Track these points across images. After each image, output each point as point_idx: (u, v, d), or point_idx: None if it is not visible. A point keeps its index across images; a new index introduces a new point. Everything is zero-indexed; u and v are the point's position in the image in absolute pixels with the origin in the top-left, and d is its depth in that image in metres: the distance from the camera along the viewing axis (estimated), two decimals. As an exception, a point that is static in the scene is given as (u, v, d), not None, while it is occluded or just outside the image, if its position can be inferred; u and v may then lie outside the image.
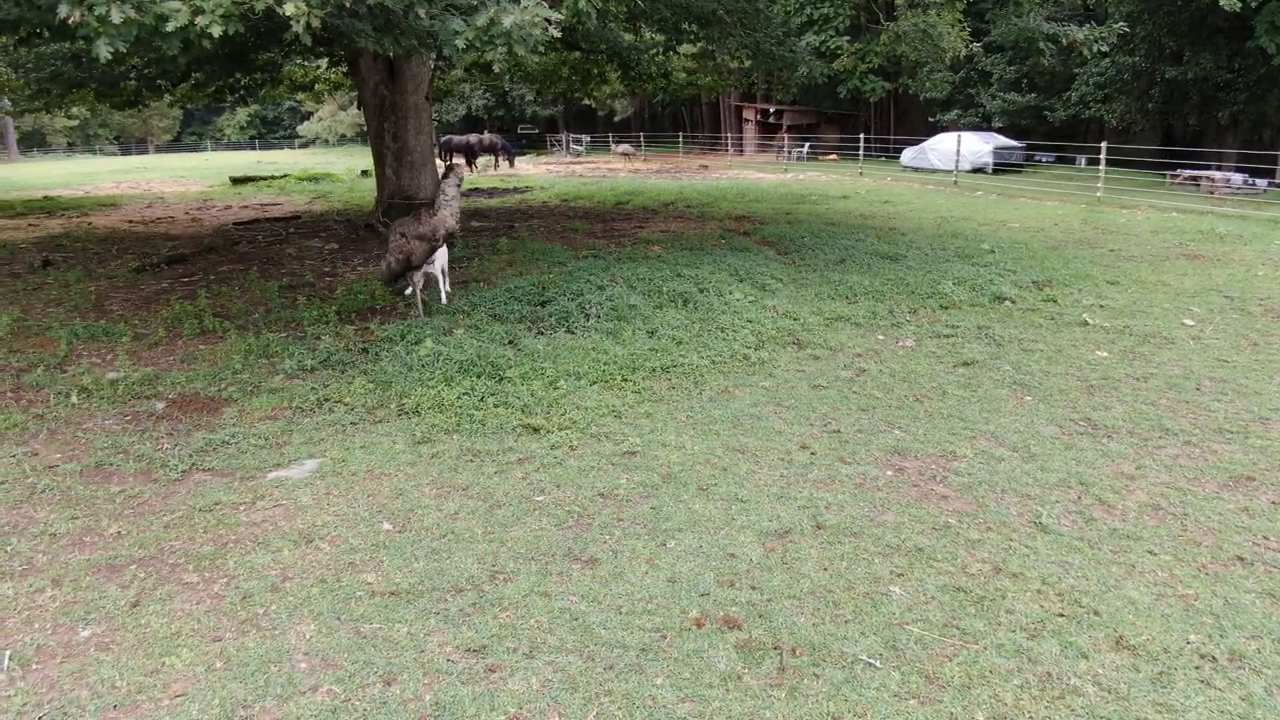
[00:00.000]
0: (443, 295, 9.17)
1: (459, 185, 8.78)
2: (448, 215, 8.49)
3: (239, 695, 3.29)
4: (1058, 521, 4.71)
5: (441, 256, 9.08)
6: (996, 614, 3.83)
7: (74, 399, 6.58)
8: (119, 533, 4.61)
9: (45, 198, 24.83)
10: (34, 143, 72.00)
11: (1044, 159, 30.03)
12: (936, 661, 3.49)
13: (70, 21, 5.20)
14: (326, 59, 20.70)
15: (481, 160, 33.43)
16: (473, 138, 33.67)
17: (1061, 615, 3.81)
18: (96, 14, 5.09)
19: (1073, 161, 29.67)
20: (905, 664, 3.48)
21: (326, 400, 6.53)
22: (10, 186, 31.27)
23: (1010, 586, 4.05)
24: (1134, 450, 5.71)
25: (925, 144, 30.17)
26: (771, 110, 42.57)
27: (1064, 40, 13.08)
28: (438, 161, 16.97)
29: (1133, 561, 4.29)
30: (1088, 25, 13.50)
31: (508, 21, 5.99)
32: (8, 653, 3.56)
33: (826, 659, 3.50)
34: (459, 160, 32.61)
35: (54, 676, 3.43)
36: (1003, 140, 28.95)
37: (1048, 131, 31.76)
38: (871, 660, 3.49)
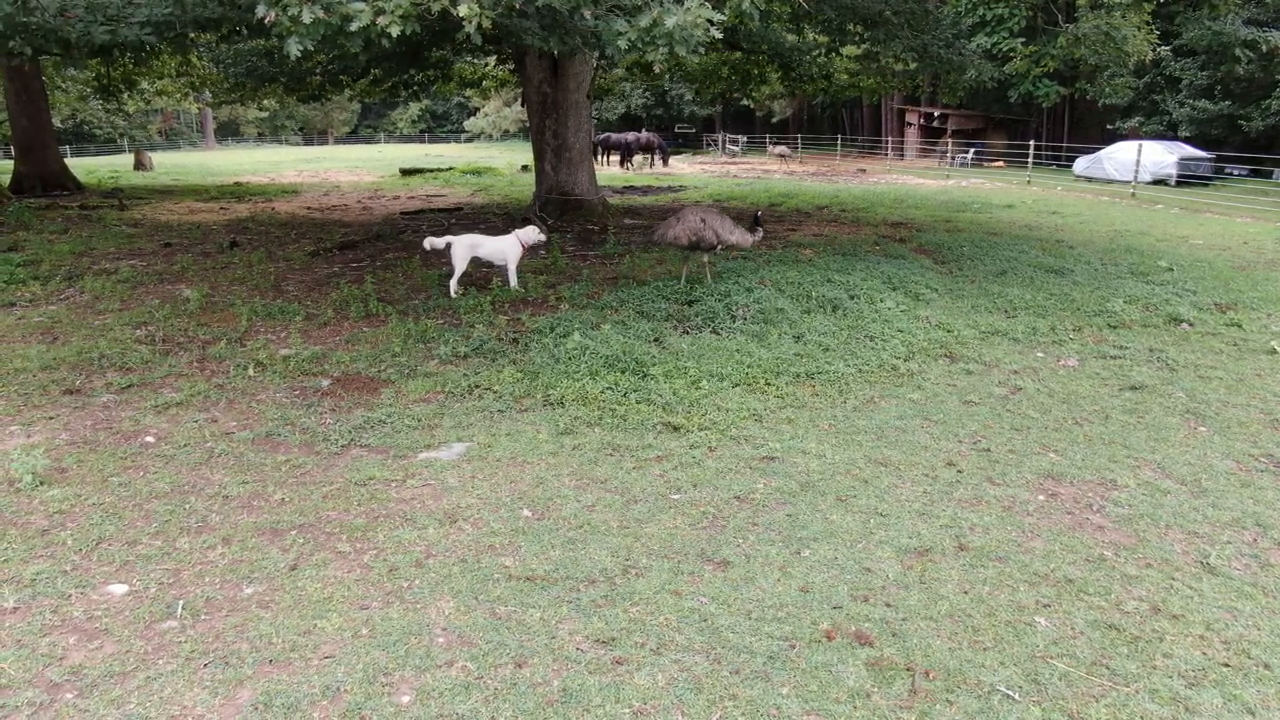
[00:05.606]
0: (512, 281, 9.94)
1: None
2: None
3: (381, 662, 3.46)
4: (1228, 564, 4.37)
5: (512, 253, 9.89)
6: (1152, 656, 3.59)
7: (250, 372, 7.09)
8: (283, 499, 4.93)
9: (236, 184, 26.83)
10: (229, 132, 78.16)
11: (1236, 172, 27.76)
12: (1081, 700, 3.31)
13: (266, 20, 5.60)
14: (494, 57, 21.46)
15: (637, 159, 33.97)
16: (630, 136, 34.28)
17: (1226, 665, 3.54)
18: (289, 14, 5.47)
19: (1269, 175, 27.34)
20: (1047, 700, 3.31)
21: (477, 387, 6.77)
22: (207, 173, 33.97)
23: (1169, 629, 3.79)
24: (1322, 493, 5.23)
25: (1101, 153, 28.45)
26: (936, 114, 41.23)
27: (1264, 46, 12.06)
28: (595, 159, 17.27)
29: (1313, 614, 3.94)
30: (1294, 28, 12.41)
31: (670, 22, 6.05)
32: (181, 602, 3.88)
33: (961, 685, 3.38)
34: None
35: (219, 628, 3.70)
36: (1189, 151, 26.92)
37: (1242, 142, 29.40)
38: (1010, 692, 3.34)
